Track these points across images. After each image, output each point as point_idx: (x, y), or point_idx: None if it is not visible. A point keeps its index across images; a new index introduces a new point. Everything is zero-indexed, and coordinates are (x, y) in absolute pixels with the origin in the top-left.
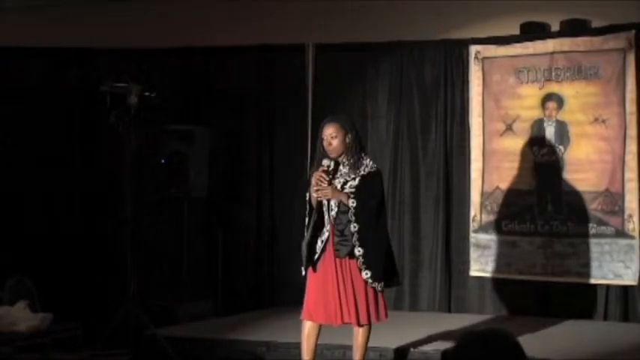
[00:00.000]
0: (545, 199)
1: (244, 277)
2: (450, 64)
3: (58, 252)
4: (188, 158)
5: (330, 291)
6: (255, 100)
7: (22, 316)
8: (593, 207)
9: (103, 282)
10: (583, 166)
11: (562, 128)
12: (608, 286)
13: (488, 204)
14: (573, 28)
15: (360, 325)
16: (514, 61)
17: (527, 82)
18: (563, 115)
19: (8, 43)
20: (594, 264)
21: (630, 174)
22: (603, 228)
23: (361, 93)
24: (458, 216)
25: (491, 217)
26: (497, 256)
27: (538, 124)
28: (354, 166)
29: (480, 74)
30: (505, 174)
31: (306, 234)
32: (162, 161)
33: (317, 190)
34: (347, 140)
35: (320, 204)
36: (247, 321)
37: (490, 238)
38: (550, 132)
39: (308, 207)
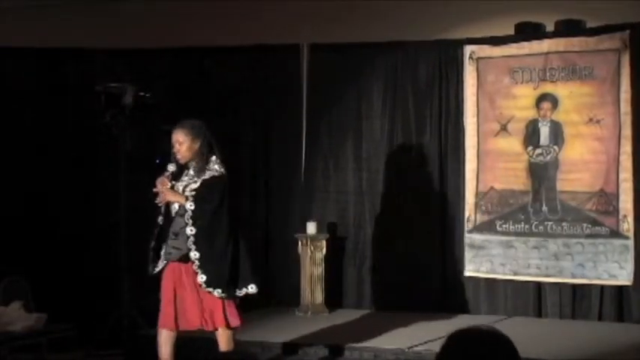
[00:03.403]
0: (539, 200)
1: None
2: (444, 64)
3: (52, 252)
4: None
5: (179, 297)
6: (250, 100)
7: (17, 316)
8: (588, 207)
9: (98, 282)
10: (577, 167)
11: (557, 128)
12: (602, 287)
13: (482, 204)
14: (568, 28)
15: (215, 329)
16: (509, 62)
17: (521, 83)
18: (557, 116)
19: (3, 43)
20: (589, 264)
21: (625, 174)
22: (598, 228)
23: (356, 93)
24: (452, 216)
25: (486, 218)
26: (491, 257)
27: (533, 125)
28: (200, 171)
29: (474, 74)
30: (500, 174)
31: (154, 235)
32: (157, 161)
33: (155, 195)
34: (195, 146)
35: (169, 208)
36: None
37: (485, 239)
38: (545, 132)
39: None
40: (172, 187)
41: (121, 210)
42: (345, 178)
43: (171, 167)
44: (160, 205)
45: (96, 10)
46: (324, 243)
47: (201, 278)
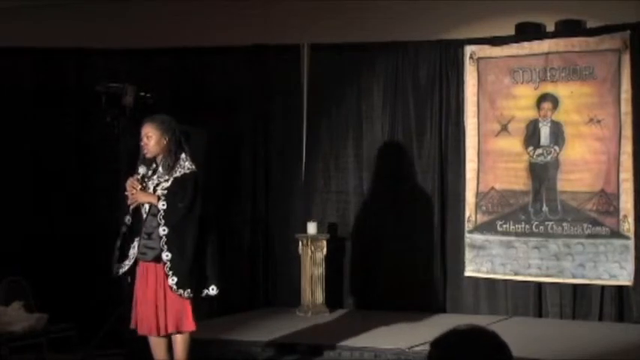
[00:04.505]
0: (540, 200)
1: (239, 276)
2: (445, 64)
3: (53, 252)
4: None
5: (148, 300)
6: (250, 100)
7: (17, 316)
8: (588, 207)
9: (98, 282)
10: (578, 167)
11: (557, 128)
12: (603, 287)
13: (483, 204)
14: (568, 28)
15: (171, 332)
16: (509, 62)
17: (522, 83)
18: (558, 116)
19: (2, 43)
20: (589, 264)
21: (625, 174)
22: (598, 228)
23: (356, 93)
24: (453, 216)
25: (487, 218)
26: (492, 257)
27: (533, 125)
28: (170, 168)
29: (475, 74)
30: (500, 174)
31: (120, 235)
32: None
33: (126, 197)
34: (163, 141)
35: (138, 207)
36: (242, 321)
37: (485, 239)
38: (545, 132)
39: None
40: (143, 188)
41: (122, 209)
42: (346, 179)
43: (142, 169)
44: (131, 206)
45: (96, 11)
46: (324, 243)
47: (172, 280)
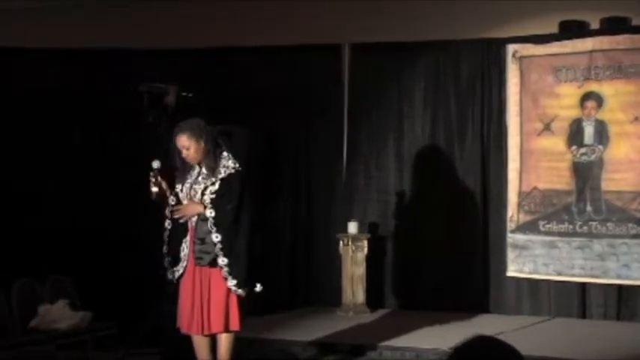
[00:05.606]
0: (583, 200)
1: (280, 276)
2: (487, 63)
3: (97, 251)
4: None
5: (195, 300)
6: (291, 100)
7: (62, 314)
8: (633, 207)
9: (141, 281)
10: (622, 166)
11: (601, 127)
12: None
13: (525, 204)
14: (613, 26)
15: (216, 332)
16: (552, 60)
17: (565, 81)
18: (602, 115)
19: (47, 45)
20: (634, 265)
21: None
22: None
23: (397, 93)
24: (495, 216)
25: (529, 218)
26: (534, 257)
27: (577, 124)
28: (213, 169)
29: (517, 73)
30: (543, 174)
31: (166, 240)
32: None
33: (149, 194)
34: (201, 146)
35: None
36: (283, 320)
37: (527, 239)
38: (589, 131)
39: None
40: (171, 185)
41: (163, 209)
42: (387, 178)
43: (156, 164)
44: (175, 215)
45: (140, 10)
46: (365, 243)
47: (232, 282)
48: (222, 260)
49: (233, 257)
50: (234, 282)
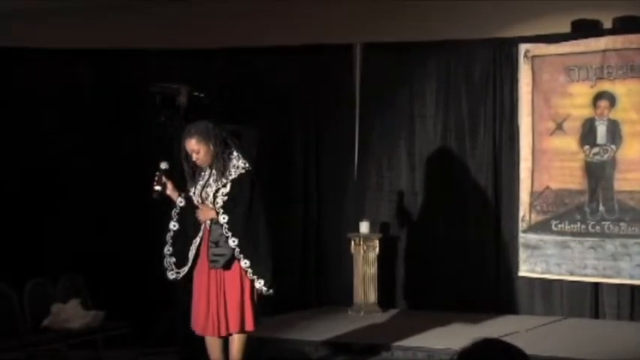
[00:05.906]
0: (596, 199)
1: (291, 276)
2: (498, 62)
3: (109, 251)
4: None
5: (210, 302)
6: (302, 100)
7: (74, 314)
8: None
9: (153, 281)
10: (635, 166)
11: (614, 127)
12: None
13: (537, 204)
14: (626, 25)
15: (232, 333)
16: (564, 60)
17: (577, 81)
18: (615, 114)
19: (58, 45)
20: None
21: None
22: None
23: (409, 92)
24: (507, 216)
25: (541, 217)
26: (547, 257)
27: (589, 123)
28: (223, 170)
29: (529, 73)
30: (555, 173)
31: (169, 241)
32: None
33: (153, 192)
34: (210, 148)
35: (186, 211)
36: (294, 320)
37: (540, 239)
38: (602, 131)
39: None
40: (172, 184)
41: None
42: (398, 178)
43: (164, 165)
44: (185, 215)
45: (149, 12)
46: (376, 242)
47: (259, 283)
48: (244, 263)
49: (254, 258)
50: (262, 282)
